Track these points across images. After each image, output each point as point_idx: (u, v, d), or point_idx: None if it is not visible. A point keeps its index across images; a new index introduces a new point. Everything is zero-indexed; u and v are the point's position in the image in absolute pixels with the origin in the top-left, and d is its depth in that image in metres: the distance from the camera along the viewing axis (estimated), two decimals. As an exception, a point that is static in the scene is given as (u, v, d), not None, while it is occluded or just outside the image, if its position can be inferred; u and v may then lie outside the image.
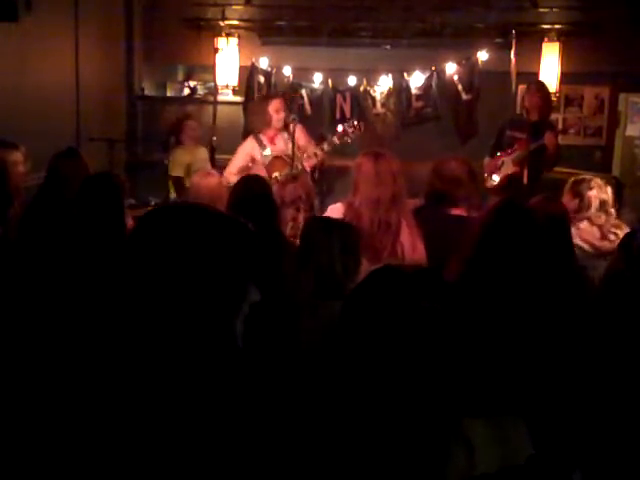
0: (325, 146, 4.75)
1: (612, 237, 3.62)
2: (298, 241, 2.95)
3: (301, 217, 3.57)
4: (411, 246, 3.07)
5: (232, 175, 4.95)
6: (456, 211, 3.52)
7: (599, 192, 3.71)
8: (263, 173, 4.84)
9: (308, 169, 4.84)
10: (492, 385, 1.34)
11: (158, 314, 1.08)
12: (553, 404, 1.97)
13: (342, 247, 2.38)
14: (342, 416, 1.23)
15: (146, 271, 1.09)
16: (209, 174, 3.76)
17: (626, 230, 3.63)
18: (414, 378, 1.16)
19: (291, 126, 4.76)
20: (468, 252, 2.55)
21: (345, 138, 4.61)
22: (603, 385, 2.12)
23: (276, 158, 4.81)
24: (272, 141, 4.84)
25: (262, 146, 4.93)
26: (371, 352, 1.19)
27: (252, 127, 5.06)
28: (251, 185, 3.09)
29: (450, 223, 3.35)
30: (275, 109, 4.84)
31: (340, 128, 4.68)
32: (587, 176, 3.97)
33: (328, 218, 2.72)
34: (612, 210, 3.74)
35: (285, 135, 4.89)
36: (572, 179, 3.93)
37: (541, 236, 2.62)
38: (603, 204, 3.70)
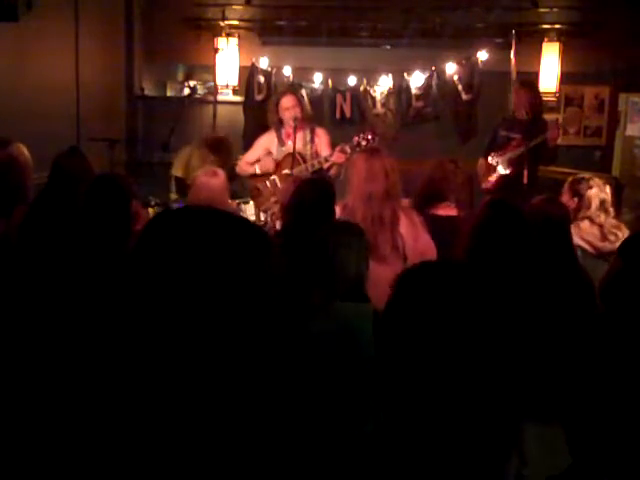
0: (347, 149, 4.71)
1: (612, 238, 3.59)
2: None
3: None
4: (412, 237, 3.07)
5: (248, 165, 4.96)
6: (445, 211, 3.54)
7: (599, 191, 3.69)
8: (272, 169, 4.85)
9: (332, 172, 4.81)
10: (544, 391, 1.34)
11: (166, 316, 1.07)
12: (587, 411, 1.95)
13: (358, 252, 2.38)
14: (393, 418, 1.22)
15: (154, 276, 1.08)
16: (215, 173, 3.67)
17: (625, 231, 3.63)
18: (476, 383, 1.16)
19: (308, 127, 4.81)
20: (460, 253, 2.55)
21: (357, 148, 4.60)
22: (630, 390, 2.10)
23: (289, 155, 4.79)
24: (291, 138, 4.81)
25: (281, 142, 4.92)
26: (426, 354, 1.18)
27: (270, 126, 5.05)
28: (313, 189, 3.04)
29: (439, 224, 3.37)
30: (284, 107, 4.82)
31: (355, 140, 4.66)
32: (586, 175, 3.96)
33: (346, 223, 2.71)
34: (611, 209, 3.73)
35: (307, 135, 4.87)
36: (571, 178, 3.92)
37: (532, 234, 2.62)
38: (603, 203, 3.68)
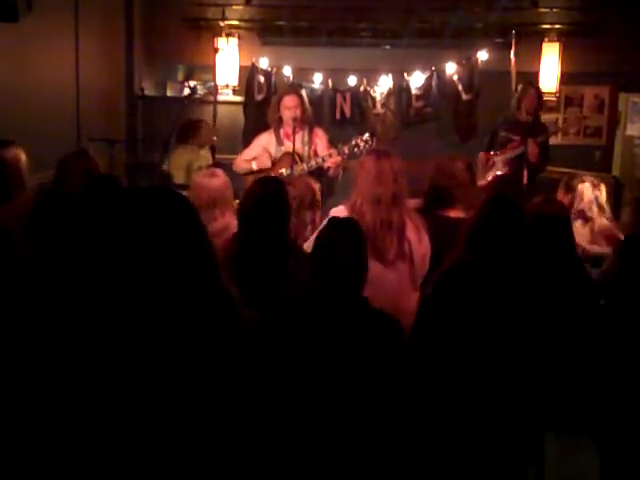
0: (345, 150, 4.70)
1: (602, 242, 3.58)
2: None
3: (318, 218, 3.55)
4: (417, 240, 3.08)
5: (243, 162, 4.96)
6: (454, 212, 3.53)
7: (591, 186, 3.72)
8: (269, 165, 4.85)
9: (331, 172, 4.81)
10: (569, 399, 1.34)
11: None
12: (624, 430, 1.91)
13: (357, 247, 2.36)
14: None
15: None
16: (214, 174, 3.65)
17: (617, 234, 3.63)
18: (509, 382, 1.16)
19: (306, 128, 4.82)
20: (460, 248, 2.56)
21: (355, 150, 4.60)
22: None
23: (286, 154, 4.78)
24: (289, 138, 4.80)
25: (279, 141, 4.91)
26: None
27: (270, 124, 5.04)
28: (264, 187, 3.03)
29: (448, 226, 3.36)
30: (286, 106, 4.81)
31: (353, 141, 4.66)
32: (580, 174, 4.00)
33: (343, 219, 2.70)
34: (606, 207, 3.72)
35: (306, 135, 4.86)
36: (566, 177, 3.96)
37: (533, 234, 2.62)
38: (596, 199, 3.69)
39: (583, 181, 3.73)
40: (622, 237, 3.60)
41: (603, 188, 3.75)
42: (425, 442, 1.23)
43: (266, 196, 2.92)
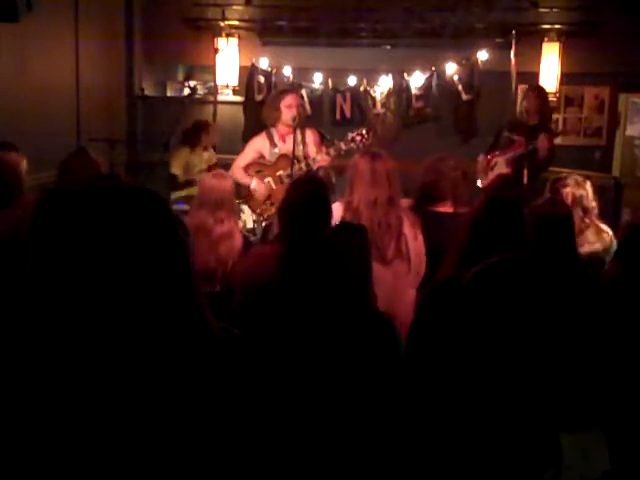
0: (331, 151, 4.70)
1: (585, 244, 3.54)
2: None
3: None
4: (412, 237, 3.10)
5: (239, 169, 4.93)
6: (443, 207, 3.55)
7: (574, 188, 3.67)
8: (269, 170, 4.83)
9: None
10: (582, 398, 1.34)
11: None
12: (631, 418, 1.93)
13: (364, 250, 2.37)
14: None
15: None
16: (223, 176, 3.65)
17: (605, 234, 3.60)
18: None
19: (298, 129, 4.79)
20: (460, 246, 2.56)
21: (352, 145, 4.59)
22: None
23: (283, 156, 4.77)
24: (283, 139, 4.79)
25: (272, 144, 4.88)
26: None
27: (265, 122, 5.02)
28: (304, 188, 2.97)
29: (435, 220, 3.39)
30: (287, 105, 4.79)
31: (349, 136, 4.64)
32: (565, 174, 3.96)
33: (351, 223, 2.69)
34: (592, 205, 3.68)
35: (299, 136, 4.85)
36: (552, 178, 3.93)
37: (536, 234, 2.63)
38: (579, 200, 3.65)
39: (566, 185, 3.68)
40: (609, 234, 3.59)
41: (588, 186, 3.70)
42: (437, 445, 1.22)
43: (311, 195, 2.88)
